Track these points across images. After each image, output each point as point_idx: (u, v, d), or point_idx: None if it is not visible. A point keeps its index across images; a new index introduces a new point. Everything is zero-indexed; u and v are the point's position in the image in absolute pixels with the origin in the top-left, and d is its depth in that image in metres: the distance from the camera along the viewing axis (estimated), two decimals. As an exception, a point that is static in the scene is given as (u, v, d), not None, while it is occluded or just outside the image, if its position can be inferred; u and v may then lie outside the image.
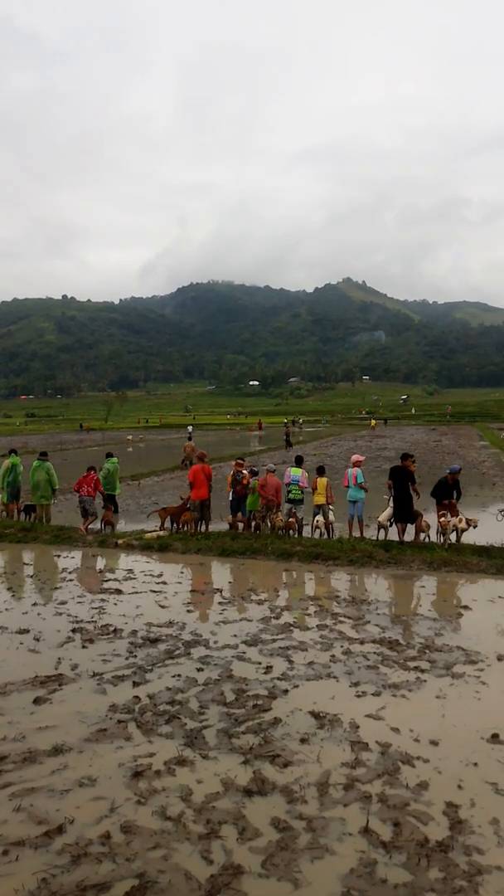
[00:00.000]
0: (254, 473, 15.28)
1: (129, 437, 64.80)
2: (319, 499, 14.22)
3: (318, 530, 13.98)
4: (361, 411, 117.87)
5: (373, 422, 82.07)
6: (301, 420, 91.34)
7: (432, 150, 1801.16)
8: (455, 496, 13.51)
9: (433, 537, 13.23)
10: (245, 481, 14.60)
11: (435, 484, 13.86)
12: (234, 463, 15.57)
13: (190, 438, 30.72)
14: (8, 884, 3.82)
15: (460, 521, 12.88)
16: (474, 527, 12.98)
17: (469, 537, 13.03)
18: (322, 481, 14.22)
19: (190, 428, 72.51)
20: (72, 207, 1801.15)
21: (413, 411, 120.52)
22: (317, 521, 13.99)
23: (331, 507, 14.29)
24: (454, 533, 12.93)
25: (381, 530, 13.73)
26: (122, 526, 16.25)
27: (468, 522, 12.91)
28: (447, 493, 13.44)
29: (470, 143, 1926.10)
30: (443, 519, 12.96)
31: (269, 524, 14.40)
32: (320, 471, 14.65)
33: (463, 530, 12.91)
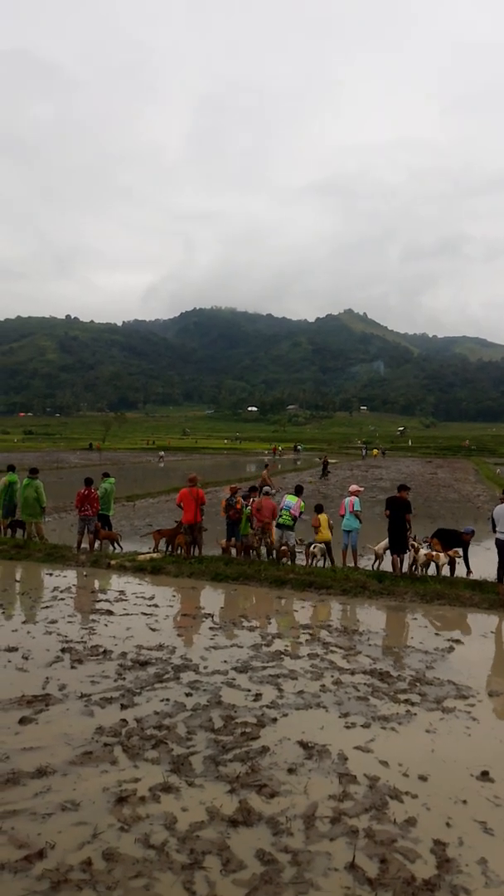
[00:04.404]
0: (245, 498, 15.26)
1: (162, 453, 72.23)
2: (324, 535, 14.16)
3: (314, 558, 13.93)
4: (359, 442, 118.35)
5: (375, 451, 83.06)
6: (301, 447, 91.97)
7: (436, 189, 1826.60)
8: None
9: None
10: (238, 506, 14.57)
11: (447, 531, 13.94)
12: (228, 488, 15.55)
13: (266, 466, 29.62)
14: (-15, 908, 3.74)
15: (437, 555, 13.05)
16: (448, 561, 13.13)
17: (462, 571, 13.04)
18: (323, 518, 14.21)
19: (162, 453, 72.02)
20: (81, 230, 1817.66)
21: (409, 443, 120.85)
22: (313, 549, 13.94)
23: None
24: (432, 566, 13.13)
25: (377, 560, 13.77)
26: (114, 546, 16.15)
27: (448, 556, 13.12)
28: (455, 543, 13.43)
29: (473, 182, 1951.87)
30: (424, 551, 13.13)
31: (263, 548, 14.38)
32: (318, 508, 14.61)
33: (443, 564, 13.02)
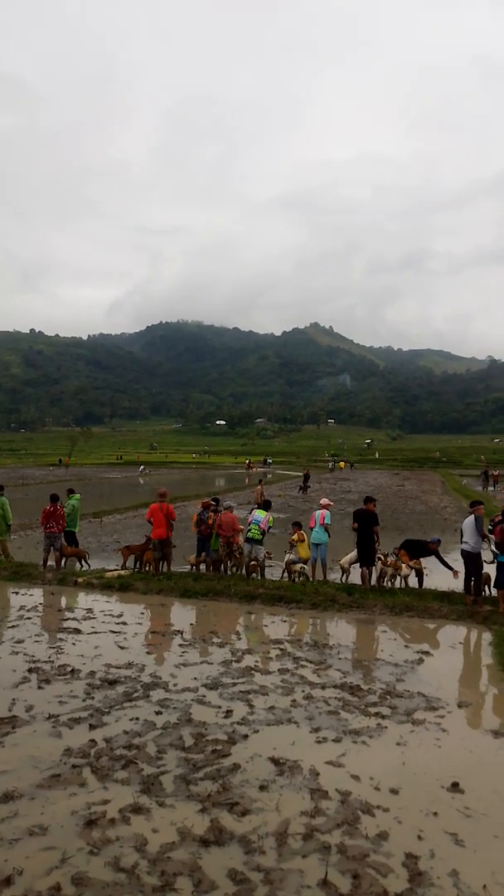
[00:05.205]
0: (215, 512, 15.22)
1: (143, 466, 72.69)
2: (306, 553, 14.18)
3: (296, 574, 13.88)
4: (327, 454, 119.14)
5: (342, 464, 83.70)
6: (270, 461, 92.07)
7: (400, 204, 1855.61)
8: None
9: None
10: (210, 521, 14.53)
11: (414, 541, 14.06)
12: (200, 503, 15.50)
13: (260, 482, 29.46)
14: (-50, 940, 3.64)
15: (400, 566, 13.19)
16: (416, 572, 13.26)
17: (430, 583, 13.15)
18: (302, 534, 14.24)
19: (142, 467, 71.67)
20: (46, 244, 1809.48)
21: (377, 455, 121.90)
22: (298, 568, 13.89)
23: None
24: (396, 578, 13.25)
25: (343, 574, 13.81)
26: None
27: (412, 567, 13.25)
28: (422, 553, 13.56)
29: (436, 199, 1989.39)
30: (392, 560, 13.25)
31: (229, 563, 14.36)
32: (297, 525, 14.65)
33: (406, 576, 13.14)
